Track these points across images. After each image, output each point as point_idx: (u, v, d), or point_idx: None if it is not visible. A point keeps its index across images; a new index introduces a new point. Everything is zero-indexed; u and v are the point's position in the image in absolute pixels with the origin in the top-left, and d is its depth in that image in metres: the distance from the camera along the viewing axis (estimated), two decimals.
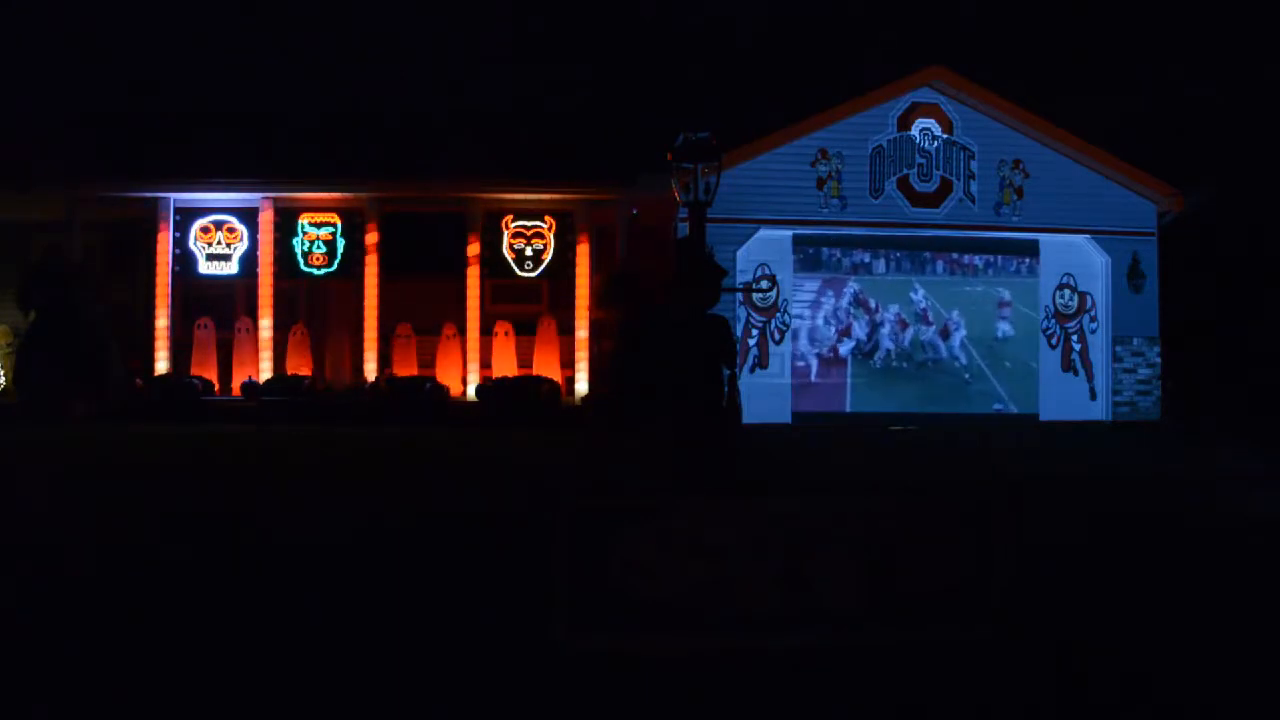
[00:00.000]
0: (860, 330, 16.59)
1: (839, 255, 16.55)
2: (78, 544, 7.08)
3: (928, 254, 16.76)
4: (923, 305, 16.71)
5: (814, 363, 16.47)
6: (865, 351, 16.57)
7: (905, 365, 16.64)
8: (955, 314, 16.79)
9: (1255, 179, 19.59)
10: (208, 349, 16.57)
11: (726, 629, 5.21)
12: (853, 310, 16.57)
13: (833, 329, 16.51)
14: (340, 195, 16.59)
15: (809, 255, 16.43)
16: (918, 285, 16.73)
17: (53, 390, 14.57)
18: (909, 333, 16.68)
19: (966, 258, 16.91)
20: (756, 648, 4.94)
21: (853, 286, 16.59)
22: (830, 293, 16.55)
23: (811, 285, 16.51)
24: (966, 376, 16.79)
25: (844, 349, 16.54)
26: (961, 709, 4.36)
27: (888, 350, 16.61)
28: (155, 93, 20.60)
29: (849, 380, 16.53)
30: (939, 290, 16.83)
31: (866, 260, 16.65)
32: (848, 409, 16.40)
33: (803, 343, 16.44)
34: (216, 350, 16.59)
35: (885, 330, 16.64)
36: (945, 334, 16.73)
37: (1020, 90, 17.28)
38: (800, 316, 16.43)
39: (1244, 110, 21.88)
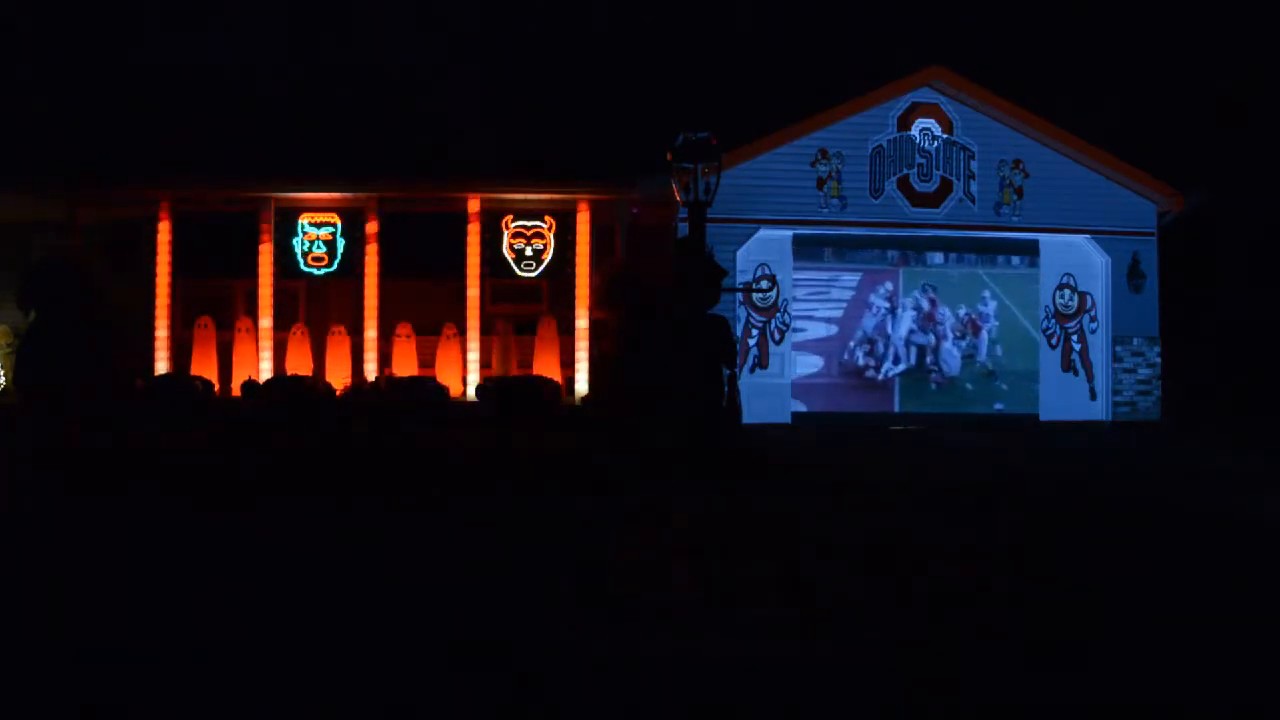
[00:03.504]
0: (879, 326, 16.59)
1: (876, 251, 16.59)
2: None
3: (996, 254, 16.86)
4: (982, 309, 16.79)
5: (821, 362, 16.47)
6: (882, 354, 16.57)
7: (953, 378, 16.72)
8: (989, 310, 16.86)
9: (1255, 179, 19.61)
10: (208, 349, 16.56)
11: (727, 628, 5.21)
12: (875, 307, 16.60)
13: (848, 326, 16.51)
14: (340, 195, 16.59)
15: (836, 251, 16.44)
16: (985, 278, 16.76)
17: (52, 390, 14.57)
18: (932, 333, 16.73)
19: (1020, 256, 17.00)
20: (757, 646, 4.94)
21: (888, 284, 16.61)
22: (846, 286, 16.55)
23: (850, 279, 16.52)
24: (996, 379, 16.85)
25: (860, 350, 16.56)
26: (962, 708, 4.36)
27: (914, 350, 16.64)
28: (155, 92, 20.57)
29: (893, 385, 16.57)
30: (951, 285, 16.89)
31: (899, 256, 16.70)
32: (850, 409, 16.38)
33: (812, 341, 16.43)
34: (216, 350, 16.58)
35: (942, 334, 16.69)
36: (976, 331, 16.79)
37: (1020, 90, 17.28)
38: (806, 316, 16.41)
39: (1244, 110, 21.88)
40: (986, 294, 16.94)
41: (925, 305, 16.73)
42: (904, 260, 16.76)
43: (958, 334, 16.81)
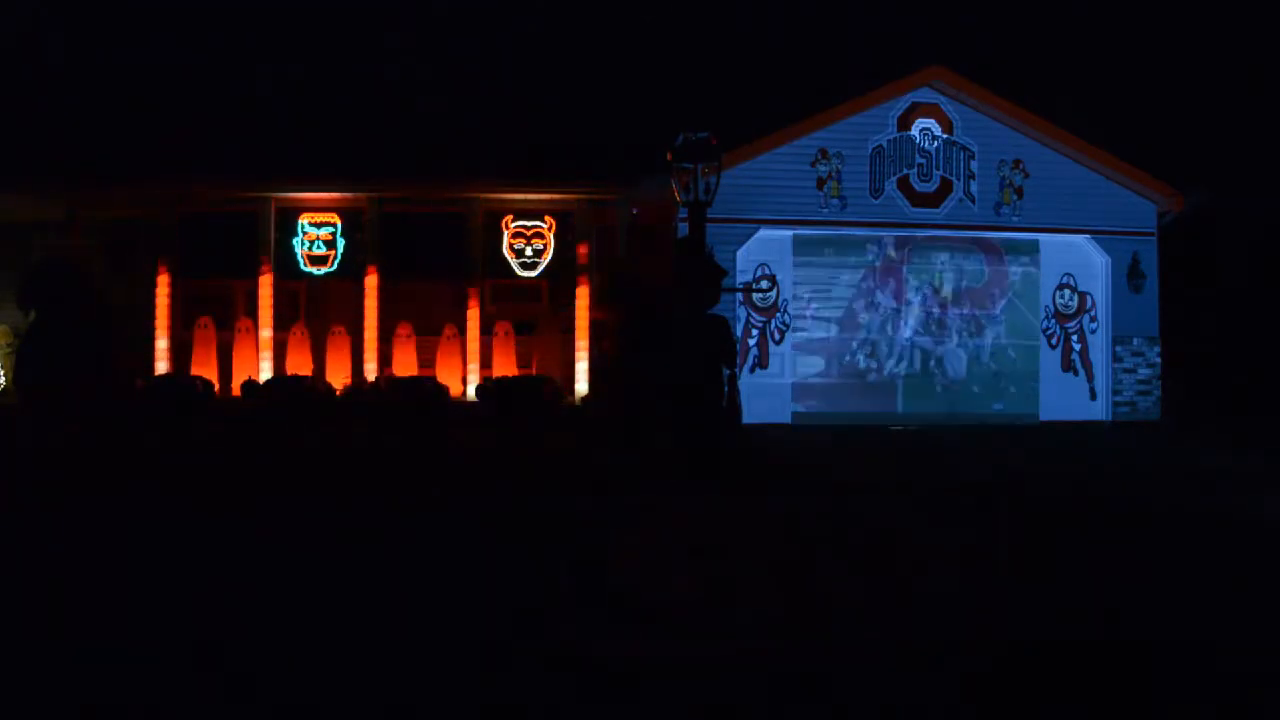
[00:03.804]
0: (881, 326, 16.57)
1: (877, 250, 16.58)
2: None
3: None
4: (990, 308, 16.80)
5: (822, 362, 16.45)
6: (882, 352, 16.56)
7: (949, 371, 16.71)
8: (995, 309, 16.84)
9: (1255, 179, 19.61)
10: (208, 349, 16.56)
11: (727, 629, 5.21)
12: (877, 305, 16.59)
13: (849, 326, 16.50)
14: (340, 195, 16.58)
15: (836, 251, 16.43)
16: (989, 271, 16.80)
17: (52, 390, 14.57)
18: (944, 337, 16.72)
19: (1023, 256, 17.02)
20: (757, 647, 4.93)
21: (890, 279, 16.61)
22: (847, 286, 16.53)
23: (851, 277, 16.51)
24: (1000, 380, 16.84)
25: (861, 350, 16.55)
26: (963, 708, 4.36)
27: (917, 347, 16.63)
28: (155, 92, 20.57)
29: (895, 385, 16.57)
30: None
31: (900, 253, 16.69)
32: (850, 410, 16.36)
33: (812, 341, 16.42)
34: (216, 350, 16.58)
35: (948, 336, 16.68)
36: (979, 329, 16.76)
37: (1020, 90, 17.28)
38: (806, 316, 16.39)
39: (1244, 110, 21.89)
40: (995, 292, 16.92)
41: (935, 310, 16.72)
42: (907, 259, 16.74)
43: (963, 335, 16.80)
